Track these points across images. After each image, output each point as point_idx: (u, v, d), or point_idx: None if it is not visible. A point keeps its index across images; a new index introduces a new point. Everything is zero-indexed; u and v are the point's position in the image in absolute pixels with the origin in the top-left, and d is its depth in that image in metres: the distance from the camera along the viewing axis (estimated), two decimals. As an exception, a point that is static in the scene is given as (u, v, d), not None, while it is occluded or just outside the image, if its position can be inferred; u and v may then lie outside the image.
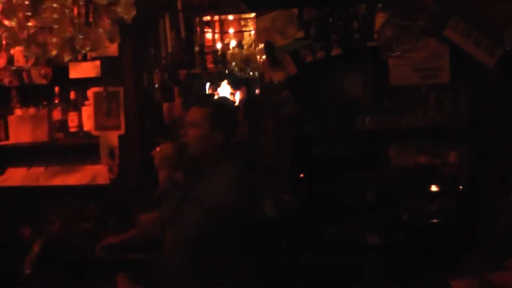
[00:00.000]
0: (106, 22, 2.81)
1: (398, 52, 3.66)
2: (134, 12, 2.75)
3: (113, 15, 2.76)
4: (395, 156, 4.15)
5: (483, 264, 3.38)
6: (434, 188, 4.11)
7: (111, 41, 2.87)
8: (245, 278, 3.09)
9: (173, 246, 3.14)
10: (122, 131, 4.18)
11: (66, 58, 2.83)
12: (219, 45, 4.74)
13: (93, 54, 4.02)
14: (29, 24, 2.70)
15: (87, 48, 2.77)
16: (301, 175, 4.23)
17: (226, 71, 5.27)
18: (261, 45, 4.29)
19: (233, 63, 5.50)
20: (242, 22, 5.69)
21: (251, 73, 5.57)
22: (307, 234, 4.00)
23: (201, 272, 3.02)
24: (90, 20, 2.77)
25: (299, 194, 4.18)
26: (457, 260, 3.53)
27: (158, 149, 3.18)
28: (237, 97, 6.24)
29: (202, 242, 2.97)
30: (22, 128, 4.49)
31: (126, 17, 2.77)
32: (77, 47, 2.77)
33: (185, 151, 3.13)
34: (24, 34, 2.76)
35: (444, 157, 4.06)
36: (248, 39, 5.60)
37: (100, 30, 2.79)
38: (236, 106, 5.85)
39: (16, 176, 4.55)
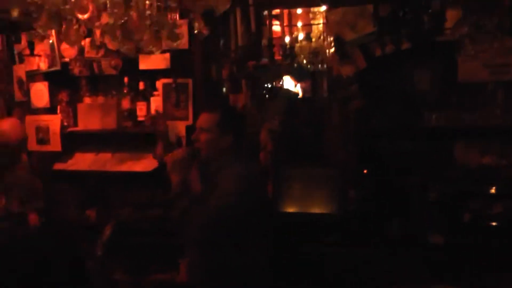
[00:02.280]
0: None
1: (473, 52, 3.80)
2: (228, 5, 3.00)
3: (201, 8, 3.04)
4: (460, 155, 4.22)
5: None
6: (498, 189, 4.12)
7: (200, 36, 3.13)
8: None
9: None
10: (189, 122, 4.46)
11: (156, 51, 3.12)
12: (287, 39, 4.96)
13: (164, 47, 4.31)
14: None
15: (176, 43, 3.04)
16: (365, 171, 4.39)
17: (294, 64, 5.50)
18: (331, 38, 4.51)
19: (301, 56, 5.74)
20: (311, 15, 5.91)
21: (318, 65, 5.80)
22: (369, 230, 4.16)
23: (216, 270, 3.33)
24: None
25: (363, 189, 4.32)
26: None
27: (170, 154, 3.49)
28: (299, 88, 6.48)
29: (210, 242, 3.31)
30: (91, 116, 4.84)
31: (218, 8, 3.04)
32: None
33: (197, 155, 3.45)
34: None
35: (510, 158, 4.11)
36: (316, 31, 5.83)
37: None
38: (299, 97, 6.14)
39: (84, 161, 4.93)
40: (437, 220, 4.11)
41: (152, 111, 4.62)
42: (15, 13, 3.09)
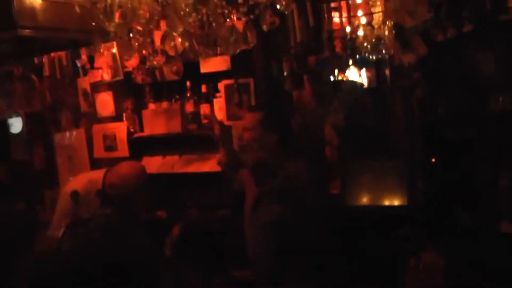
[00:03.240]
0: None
1: None
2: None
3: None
4: None
5: None
6: None
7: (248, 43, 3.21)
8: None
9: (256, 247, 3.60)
10: (253, 121, 4.51)
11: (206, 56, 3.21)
12: (347, 30, 4.96)
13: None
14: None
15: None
16: (433, 160, 4.36)
17: (356, 55, 5.50)
18: (390, 27, 4.51)
19: (364, 45, 5.74)
20: (371, 3, 5.90)
21: (380, 55, 5.78)
22: (439, 221, 4.13)
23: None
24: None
25: (432, 179, 4.31)
26: None
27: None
28: (364, 79, 6.45)
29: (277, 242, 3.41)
30: (156, 121, 4.98)
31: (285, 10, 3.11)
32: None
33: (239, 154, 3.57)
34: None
35: None
36: (376, 21, 5.81)
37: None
38: (364, 88, 6.12)
39: (152, 164, 5.05)
40: (508, 208, 4.04)
41: (216, 113, 4.71)
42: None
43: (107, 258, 2.02)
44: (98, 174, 3.99)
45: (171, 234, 3.63)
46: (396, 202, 4.33)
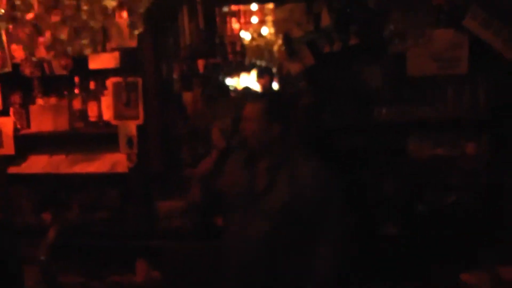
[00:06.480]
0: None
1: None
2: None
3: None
4: (412, 148, 4.19)
5: (495, 259, 3.51)
6: (451, 180, 4.12)
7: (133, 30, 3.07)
8: None
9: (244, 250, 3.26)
10: (140, 121, 4.37)
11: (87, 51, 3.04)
12: (240, 36, 4.90)
13: (113, 45, 4.22)
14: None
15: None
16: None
17: (246, 61, 5.44)
18: (279, 36, 4.48)
19: (255, 52, 5.69)
20: (266, 12, 5.85)
21: (270, 63, 5.75)
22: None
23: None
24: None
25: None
26: (470, 254, 3.63)
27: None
28: (254, 85, 6.38)
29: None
30: (44, 117, 4.74)
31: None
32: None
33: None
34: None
35: (462, 149, 4.09)
36: (269, 28, 5.78)
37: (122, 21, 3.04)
38: (253, 94, 6.07)
39: (38, 163, 4.82)
40: (391, 212, 4.11)
41: (103, 111, 4.53)
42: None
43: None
44: None
45: (46, 237, 3.41)
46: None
